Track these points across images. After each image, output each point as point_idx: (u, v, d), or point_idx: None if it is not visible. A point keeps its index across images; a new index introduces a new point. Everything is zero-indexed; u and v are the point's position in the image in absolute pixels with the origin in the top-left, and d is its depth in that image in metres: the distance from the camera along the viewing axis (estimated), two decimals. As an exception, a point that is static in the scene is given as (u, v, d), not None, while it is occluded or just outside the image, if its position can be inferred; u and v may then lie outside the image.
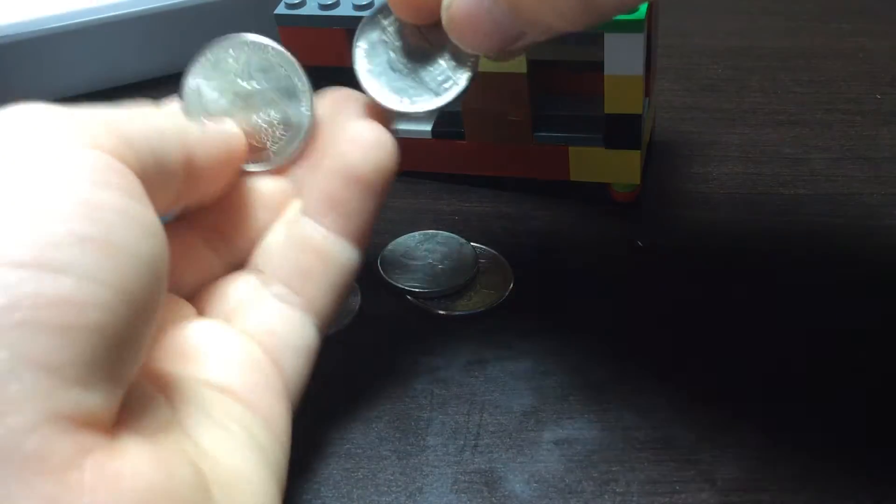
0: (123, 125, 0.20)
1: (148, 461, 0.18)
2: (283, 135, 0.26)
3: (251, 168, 0.26)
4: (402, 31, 0.25)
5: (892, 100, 0.38)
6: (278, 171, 0.26)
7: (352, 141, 0.24)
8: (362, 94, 0.26)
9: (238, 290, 0.25)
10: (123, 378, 0.18)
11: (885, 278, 0.30)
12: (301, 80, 0.26)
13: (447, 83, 0.25)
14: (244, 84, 0.26)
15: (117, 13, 0.41)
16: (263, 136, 0.26)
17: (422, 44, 0.25)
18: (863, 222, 0.32)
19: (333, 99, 0.26)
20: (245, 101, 0.26)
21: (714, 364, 0.27)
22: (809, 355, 0.27)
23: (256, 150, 0.26)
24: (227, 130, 0.25)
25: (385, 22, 0.25)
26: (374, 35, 0.25)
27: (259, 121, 0.26)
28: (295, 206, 0.26)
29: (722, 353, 0.28)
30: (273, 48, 0.26)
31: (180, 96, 0.26)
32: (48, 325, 0.16)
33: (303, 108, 0.26)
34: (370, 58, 0.25)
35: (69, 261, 0.17)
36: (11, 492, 0.15)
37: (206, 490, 0.19)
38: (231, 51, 0.26)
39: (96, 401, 0.17)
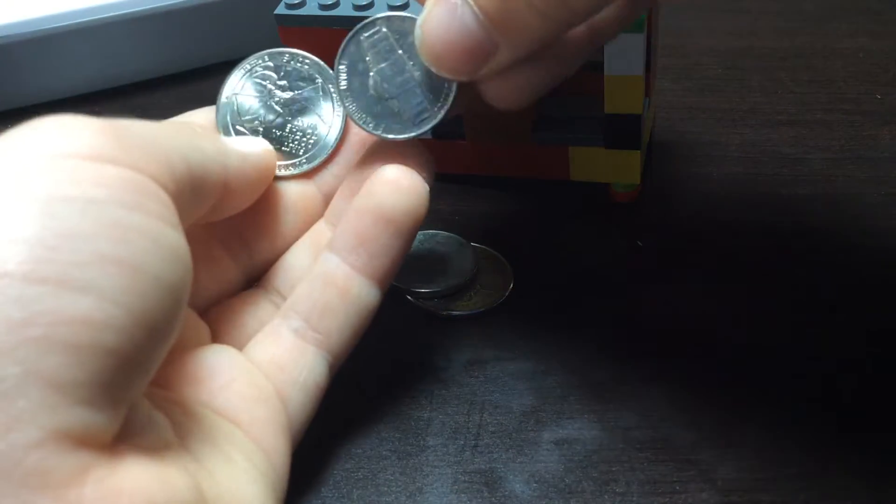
0: (165, 146, 0.20)
1: (148, 478, 0.18)
2: (314, 141, 0.26)
3: (281, 172, 0.26)
4: (386, 56, 0.25)
5: (892, 100, 0.38)
6: (306, 175, 0.27)
7: (386, 182, 0.24)
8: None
9: (256, 317, 0.26)
10: (129, 398, 0.18)
11: (885, 278, 0.30)
12: (336, 89, 0.26)
13: (424, 114, 0.25)
14: (279, 93, 0.26)
15: (117, 13, 0.41)
16: (295, 142, 0.26)
17: (403, 71, 0.25)
18: (863, 222, 0.32)
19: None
20: (280, 109, 0.26)
21: (714, 364, 0.27)
22: (810, 355, 0.27)
23: (287, 156, 0.26)
24: (263, 153, 0.25)
25: (368, 43, 0.25)
26: (358, 55, 0.25)
27: (292, 127, 0.26)
28: (321, 226, 0.27)
29: (722, 352, 0.28)
30: (309, 58, 0.27)
31: (216, 104, 0.26)
32: (62, 343, 0.16)
33: (335, 116, 0.26)
34: (351, 77, 0.25)
35: (91, 281, 0.17)
36: None
37: None
38: (268, 61, 0.26)
39: (100, 420, 0.17)
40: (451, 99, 0.25)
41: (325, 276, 0.25)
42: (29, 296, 0.16)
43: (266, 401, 0.23)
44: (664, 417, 0.26)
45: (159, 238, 0.18)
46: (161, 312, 0.18)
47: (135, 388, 0.18)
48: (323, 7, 0.31)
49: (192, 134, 0.23)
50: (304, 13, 0.31)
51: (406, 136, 0.25)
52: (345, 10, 0.31)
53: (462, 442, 0.26)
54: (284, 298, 0.26)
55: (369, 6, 0.31)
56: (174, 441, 0.20)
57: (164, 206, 0.19)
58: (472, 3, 0.21)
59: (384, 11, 0.30)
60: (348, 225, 0.25)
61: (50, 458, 0.16)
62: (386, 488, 0.25)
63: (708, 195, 0.34)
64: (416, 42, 0.23)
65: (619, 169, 0.32)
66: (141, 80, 0.44)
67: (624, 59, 0.29)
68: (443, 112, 0.25)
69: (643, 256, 0.32)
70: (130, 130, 0.20)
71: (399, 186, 0.24)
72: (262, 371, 0.24)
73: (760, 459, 0.25)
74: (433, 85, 0.25)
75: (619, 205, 0.34)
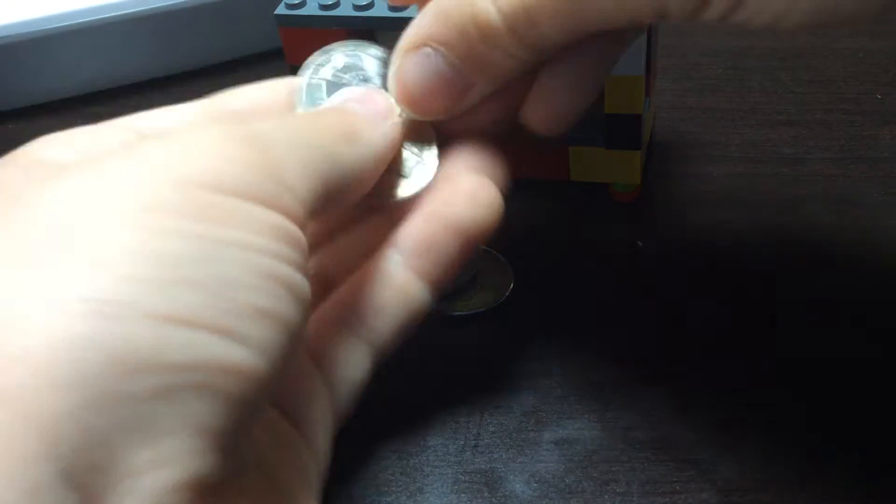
0: (306, 168, 0.20)
1: None
2: (414, 167, 0.25)
3: (398, 198, 0.25)
4: None
5: (893, 100, 0.38)
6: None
7: (466, 195, 0.24)
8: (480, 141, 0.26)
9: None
10: (240, 443, 0.18)
11: (885, 278, 0.30)
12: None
13: (417, 169, 0.25)
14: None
15: (117, 13, 0.41)
16: (403, 165, 0.25)
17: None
18: (863, 222, 0.32)
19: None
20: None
21: (714, 364, 0.27)
22: (810, 355, 0.27)
23: (396, 178, 0.25)
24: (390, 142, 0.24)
25: None
26: None
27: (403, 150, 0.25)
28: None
29: (722, 353, 0.28)
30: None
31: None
32: (217, 392, 0.16)
33: (433, 150, 0.25)
34: None
35: (248, 332, 0.17)
36: None
37: None
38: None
39: (227, 468, 0.17)
40: (434, 144, 0.25)
41: (385, 276, 0.24)
42: (190, 341, 0.16)
43: (317, 398, 0.23)
44: (664, 417, 0.26)
45: (296, 289, 0.18)
46: (289, 360, 0.18)
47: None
48: (323, 7, 0.31)
49: (333, 142, 0.22)
50: (305, 13, 0.31)
51: (404, 195, 0.25)
52: (345, 10, 0.31)
53: (462, 442, 0.26)
54: (325, 274, 0.25)
55: (369, 6, 0.31)
56: (257, 475, 0.20)
57: (300, 253, 0.19)
58: (444, 52, 0.22)
59: (384, 12, 0.31)
60: (417, 228, 0.24)
61: (183, 502, 0.16)
62: (386, 488, 0.25)
63: (708, 195, 0.34)
64: (391, 92, 0.23)
65: (619, 169, 0.32)
66: (141, 80, 0.44)
67: (624, 59, 0.29)
68: (433, 165, 0.25)
69: (643, 256, 0.32)
70: (273, 154, 0.19)
71: (476, 200, 0.24)
72: (316, 363, 0.23)
73: (760, 459, 0.25)
74: (419, 142, 0.25)
75: (619, 205, 0.34)
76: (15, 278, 0.15)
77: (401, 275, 0.24)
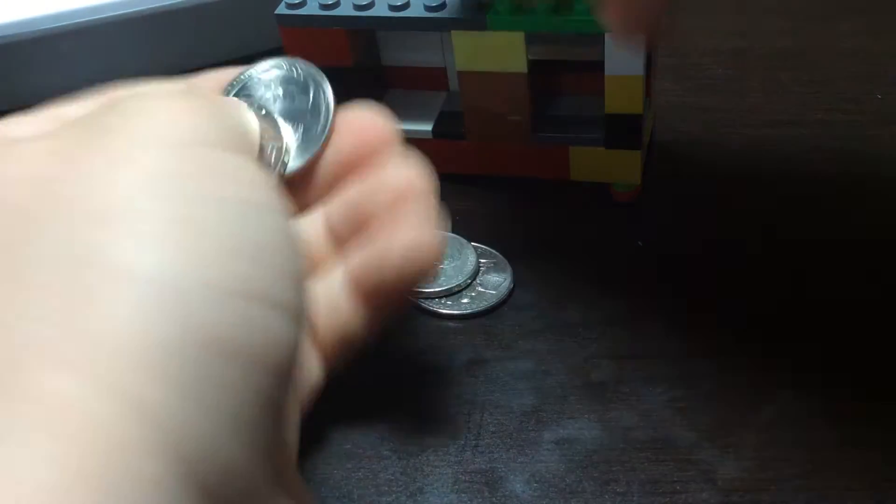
0: (241, 126, 0.19)
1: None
2: (302, 143, 0.26)
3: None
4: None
5: (893, 100, 0.38)
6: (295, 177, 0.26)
7: (410, 251, 0.23)
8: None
9: None
10: None
11: (886, 279, 0.30)
12: (325, 96, 0.26)
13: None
14: (273, 107, 0.26)
15: (117, 13, 0.41)
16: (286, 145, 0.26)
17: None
18: (863, 223, 0.32)
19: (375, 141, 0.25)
20: (274, 122, 0.26)
21: (714, 363, 0.27)
22: (810, 356, 0.27)
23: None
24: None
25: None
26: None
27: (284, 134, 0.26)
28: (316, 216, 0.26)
29: (722, 352, 0.28)
30: (301, 66, 0.26)
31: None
32: (275, 367, 0.15)
33: (321, 119, 0.26)
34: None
35: (284, 300, 0.15)
36: None
37: None
38: (261, 76, 0.27)
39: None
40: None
41: (333, 302, 0.24)
42: (249, 315, 0.14)
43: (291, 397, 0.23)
44: (664, 417, 0.26)
45: (300, 244, 0.17)
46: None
47: None
48: (323, 7, 0.31)
49: (234, 110, 0.21)
50: (305, 13, 0.31)
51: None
52: (345, 10, 0.31)
53: (462, 442, 0.26)
54: None
55: (369, 6, 0.31)
56: None
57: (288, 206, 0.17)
58: None
59: (384, 12, 0.31)
60: (362, 276, 0.24)
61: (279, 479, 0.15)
62: (386, 488, 0.25)
63: (708, 195, 0.34)
64: None
65: (619, 169, 0.32)
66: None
67: (624, 59, 0.29)
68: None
69: (643, 256, 0.32)
70: (220, 112, 0.18)
71: (420, 253, 0.23)
72: None
73: (760, 459, 0.25)
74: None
75: (619, 205, 0.34)
76: (69, 266, 0.13)
77: (346, 309, 0.24)
